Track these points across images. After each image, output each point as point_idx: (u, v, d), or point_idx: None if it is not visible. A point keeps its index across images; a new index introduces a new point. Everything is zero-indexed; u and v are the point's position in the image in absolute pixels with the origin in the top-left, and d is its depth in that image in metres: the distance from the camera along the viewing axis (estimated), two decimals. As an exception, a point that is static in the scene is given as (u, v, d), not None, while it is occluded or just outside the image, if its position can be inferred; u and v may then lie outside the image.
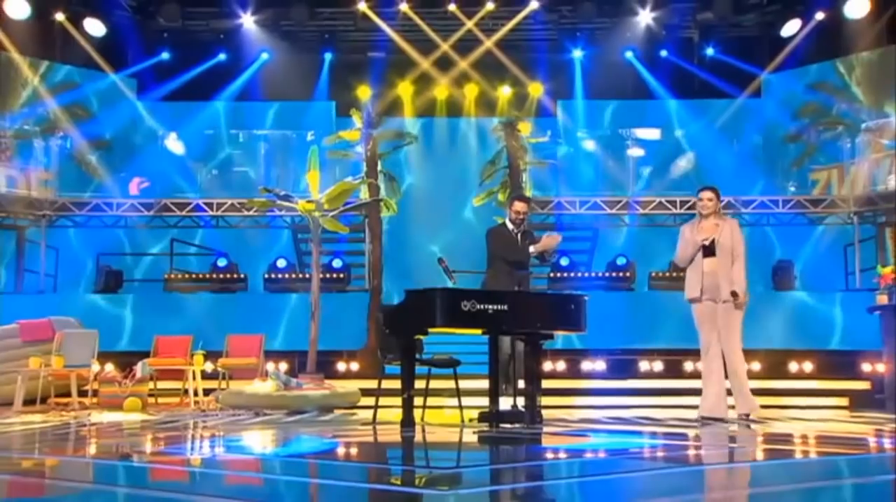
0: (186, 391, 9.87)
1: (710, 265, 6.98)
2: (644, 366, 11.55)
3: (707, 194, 7.27)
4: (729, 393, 7.06)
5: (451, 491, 3.24)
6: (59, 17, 14.43)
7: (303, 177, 10.93)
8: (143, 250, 14.71)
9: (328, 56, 15.61)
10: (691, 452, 4.88)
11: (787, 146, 15.07)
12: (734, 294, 6.85)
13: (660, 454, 4.80)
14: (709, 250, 7.04)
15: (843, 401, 10.32)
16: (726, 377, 7.01)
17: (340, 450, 5.06)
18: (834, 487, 3.38)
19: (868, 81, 14.35)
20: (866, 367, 10.97)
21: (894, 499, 3.11)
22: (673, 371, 11.28)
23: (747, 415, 6.87)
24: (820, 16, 14.32)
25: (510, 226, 7.46)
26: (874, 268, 12.01)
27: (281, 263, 13.54)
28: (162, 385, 10.19)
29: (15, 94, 14.34)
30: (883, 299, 9.73)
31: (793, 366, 11.38)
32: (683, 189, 14.59)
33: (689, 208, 14.09)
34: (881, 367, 9.96)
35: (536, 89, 15.04)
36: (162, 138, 15.41)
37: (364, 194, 12.71)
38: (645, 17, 15.02)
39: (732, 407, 7.07)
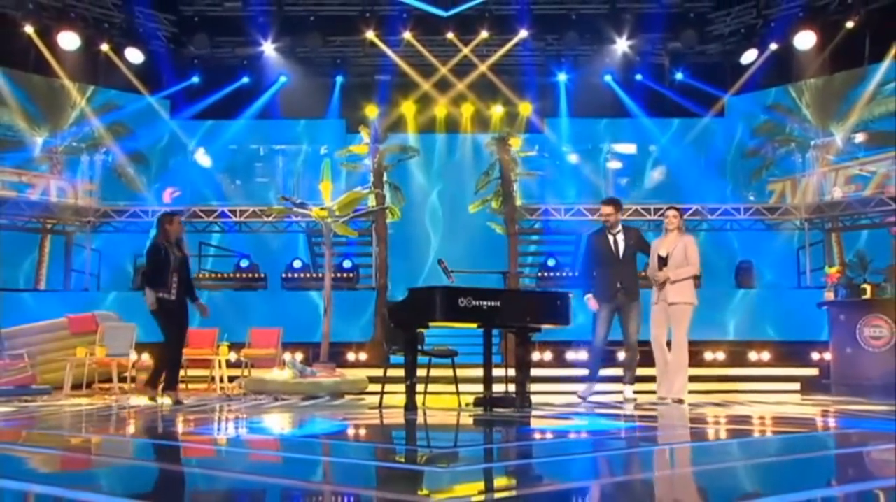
0: (213, 378, 9.88)
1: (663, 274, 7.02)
2: (621, 355, 11.49)
3: (671, 212, 7.26)
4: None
5: (450, 468, 3.26)
6: (104, 47, 14.55)
7: (317, 186, 10.93)
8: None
9: (339, 79, 15.65)
10: (662, 433, 4.90)
11: (747, 160, 15.16)
12: (665, 279, 6.97)
13: (636, 434, 4.81)
14: (664, 262, 7.06)
15: (795, 386, 10.34)
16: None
17: (350, 431, 5.06)
18: (786, 462, 3.40)
19: (815, 104, 14.50)
20: (815, 356, 11.02)
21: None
22: (647, 360, 11.25)
23: (679, 400, 6.84)
24: (774, 46, 14.45)
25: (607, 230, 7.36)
26: (822, 269, 12.10)
27: (297, 264, 13.55)
28: (191, 372, 10.20)
29: (65, 115, 14.45)
30: (830, 296, 9.79)
31: (752, 356, 11.40)
32: (657, 198, 14.65)
33: (661, 215, 14.11)
34: (828, 356, 10.02)
35: (526, 108, 15.10)
36: (192, 153, 15.44)
37: (371, 202, 12.71)
38: (622, 45, 15.07)
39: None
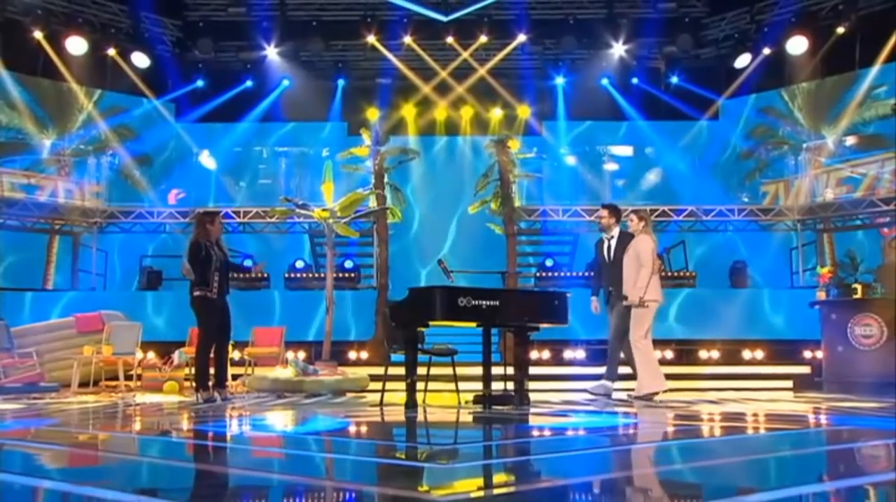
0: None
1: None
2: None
3: (629, 216, 7.25)
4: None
5: (449, 464, 3.27)
6: (111, 51, 14.58)
7: (318, 188, 10.92)
8: (180, 253, 14.68)
9: (341, 82, 15.65)
10: (658, 430, 4.90)
11: (741, 162, 15.17)
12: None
13: (631, 431, 4.82)
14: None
15: (788, 384, 10.36)
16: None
17: (352, 429, 5.07)
18: (779, 457, 3.41)
19: (807, 107, 14.54)
20: (807, 354, 11.03)
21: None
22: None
23: (649, 396, 6.81)
24: (767, 51, 14.46)
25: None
26: (814, 269, 12.11)
27: (299, 264, 13.53)
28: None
29: (73, 118, 14.49)
30: (822, 295, 9.81)
31: (746, 354, 11.40)
32: (653, 199, 14.65)
33: (657, 216, 14.14)
34: (820, 354, 10.03)
35: (524, 111, 15.11)
36: (196, 155, 15.44)
37: (372, 203, 12.70)
38: (618, 50, 15.08)
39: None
